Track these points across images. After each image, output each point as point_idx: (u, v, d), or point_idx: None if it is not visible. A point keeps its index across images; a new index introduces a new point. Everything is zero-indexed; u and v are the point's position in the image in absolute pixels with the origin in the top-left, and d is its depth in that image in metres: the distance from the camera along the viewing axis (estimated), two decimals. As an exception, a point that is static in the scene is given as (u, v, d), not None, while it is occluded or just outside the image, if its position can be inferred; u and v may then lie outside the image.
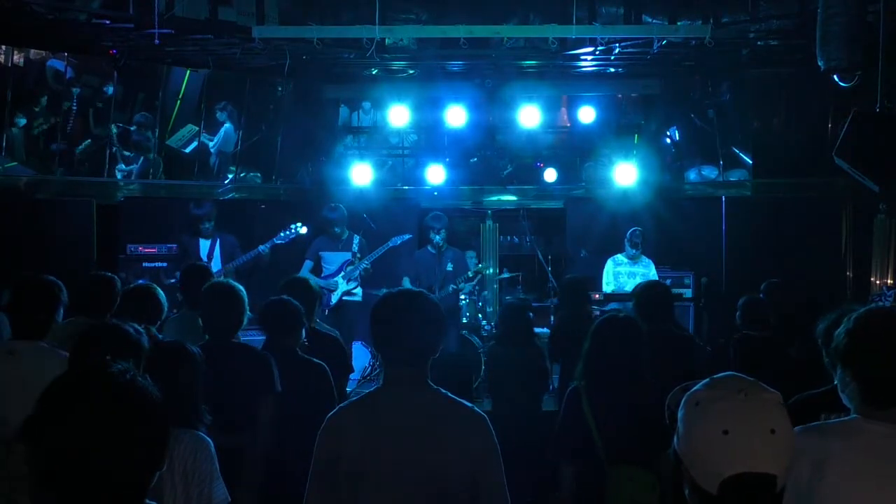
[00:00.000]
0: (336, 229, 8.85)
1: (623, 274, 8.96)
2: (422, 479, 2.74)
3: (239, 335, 5.76)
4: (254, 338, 6.78)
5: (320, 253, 8.90)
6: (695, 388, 1.78)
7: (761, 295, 6.57)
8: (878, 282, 8.73)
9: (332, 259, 8.88)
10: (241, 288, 4.66)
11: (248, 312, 4.64)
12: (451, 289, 8.86)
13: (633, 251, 8.99)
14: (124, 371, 1.68)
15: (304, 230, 8.59)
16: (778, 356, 5.42)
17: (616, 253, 9.18)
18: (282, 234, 8.45)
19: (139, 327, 3.35)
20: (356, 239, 8.90)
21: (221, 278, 6.75)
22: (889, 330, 2.40)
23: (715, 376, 1.80)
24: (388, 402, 2.86)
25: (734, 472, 1.66)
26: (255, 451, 4.25)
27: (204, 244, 8.43)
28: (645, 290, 5.79)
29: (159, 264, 8.78)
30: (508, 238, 12.09)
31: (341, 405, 2.98)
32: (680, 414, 1.76)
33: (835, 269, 9.52)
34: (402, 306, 2.89)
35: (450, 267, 8.99)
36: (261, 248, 8.32)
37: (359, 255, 8.81)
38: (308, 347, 4.89)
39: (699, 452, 1.71)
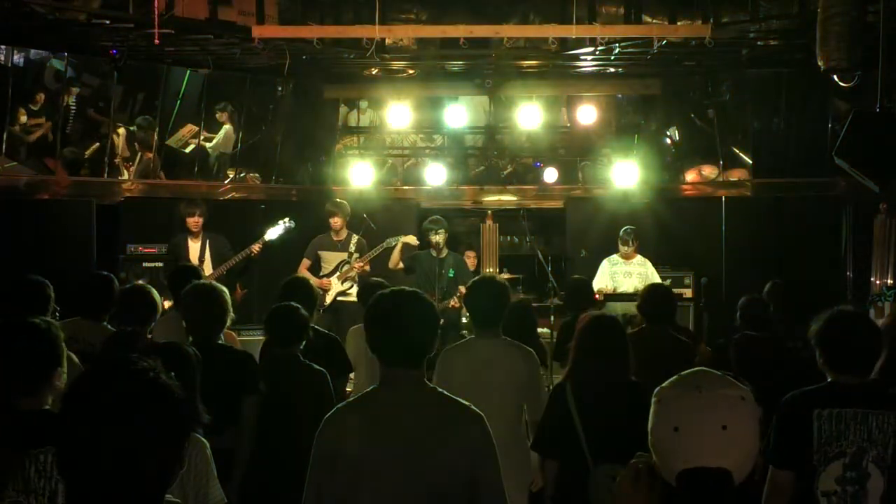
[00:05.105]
0: (337, 219, 8.82)
1: (619, 273, 8.94)
2: (419, 478, 2.74)
3: (236, 336, 5.76)
4: (253, 337, 6.76)
5: (319, 252, 8.89)
6: (665, 383, 1.83)
7: (762, 295, 6.57)
8: (878, 282, 8.70)
9: (330, 259, 8.87)
10: (224, 288, 4.65)
11: (232, 312, 4.63)
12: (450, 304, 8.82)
13: (625, 248, 8.97)
14: (149, 368, 1.67)
15: (292, 224, 8.54)
16: (778, 356, 5.42)
17: (614, 253, 9.17)
18: (271, 231, 8.39)
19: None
20: (354, 239, 8.88)
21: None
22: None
23: (684, 372, 1.84)
24: (385, 401, 2.85)
25: (685, 468, 1.73)
26: (240, 451, 4.26)
27: (193, 245, 8.38)
28: (649, 292, 5.84)
29: (159, 264, 8.75)
30: (508, 238, 12.07)
31: (339, 405, 2.97)
32: (651, 408, 1.82)
33: (835, 269, 9.49)
34: (397, 306, 2.87)
35: (451, 273, 8.94)
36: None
37: (356, 255, 8.80)
38: (308, 347, 4.88)
39: (657, 447, 1.78)
